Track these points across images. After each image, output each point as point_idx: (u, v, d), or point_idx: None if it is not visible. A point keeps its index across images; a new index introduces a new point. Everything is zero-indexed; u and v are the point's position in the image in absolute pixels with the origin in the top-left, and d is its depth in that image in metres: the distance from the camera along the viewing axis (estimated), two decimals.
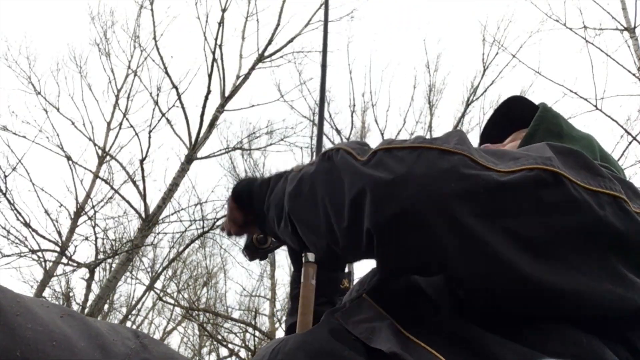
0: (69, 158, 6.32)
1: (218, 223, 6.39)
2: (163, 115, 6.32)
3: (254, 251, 1.01)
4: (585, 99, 4.65)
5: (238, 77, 6.76)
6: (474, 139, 0.86)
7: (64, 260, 6.06)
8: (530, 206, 0.53)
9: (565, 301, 0.53)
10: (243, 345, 8.14)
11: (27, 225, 5.70)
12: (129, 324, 9.48)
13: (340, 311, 0.68)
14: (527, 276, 0.52)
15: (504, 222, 0.53)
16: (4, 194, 5.70)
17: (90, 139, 6.75)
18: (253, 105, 6.65)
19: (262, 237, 0.99)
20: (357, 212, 0.60)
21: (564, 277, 0.53)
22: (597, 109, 4.59)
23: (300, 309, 0.96)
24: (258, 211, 0.84)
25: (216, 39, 6.34)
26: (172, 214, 6.46)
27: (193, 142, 6.21)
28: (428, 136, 0.63)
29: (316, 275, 1.00)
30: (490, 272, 0.53)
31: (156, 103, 6.40)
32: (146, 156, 6.05)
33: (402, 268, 0.61)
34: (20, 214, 5.71)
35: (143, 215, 6.03)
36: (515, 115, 1.00)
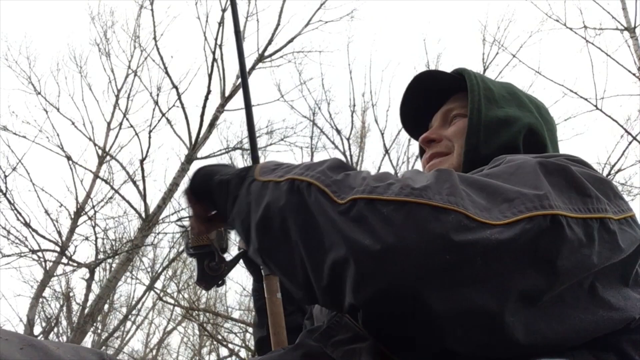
0: (69, 158, 6.33)
1: None
2: (163, 115, 6.33)
3: (209, 280, 0.92)
4: (586, 99, 4.65)
5: (238, 77, 6.76)
6: None
7: (64, 260, 6.06)
8: (527, 260, 0.51)
9: (559, 347, 0.54)
10: (243, 345, 8.14)
11: (27, 225, 5.70)
12: (129, 324, 9.49)
13: (319, 332, 0.67)
14: (524, 344, 0.52)
15: (499, 284, 0.50)
16: (4, 194, 5.70)
17: (90, 139, 6.75)
18: (253, 105, 6.65)
19: (214, 263, 0.91)
20: (338, 279, 0.53)
21: (562, 325, 0.54)
22: (597, 108, 4.59)
23: (271, 328, 0.89)
24: (222, 213, 0.76)
25: (216, 39, 6.35)
26: (172, 214, 6.46)
27: (193, 142, 6.21)
28: (415, 177, 0.56)
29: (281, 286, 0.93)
30: (490, 342, 0.52)
31: (156, 103, 6.41)
32: (146, 156, 6.06)
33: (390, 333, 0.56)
34: (20, 214, 5.71)
35: (143, 215, 6.03)
36: (433, 87, 0.97)
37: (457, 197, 0.51)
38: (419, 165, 1.01)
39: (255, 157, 0.98)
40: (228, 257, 0.93)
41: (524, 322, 0.52)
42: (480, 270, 0.49)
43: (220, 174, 0.76)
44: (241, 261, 0.96)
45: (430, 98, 0.98)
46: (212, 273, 0.91)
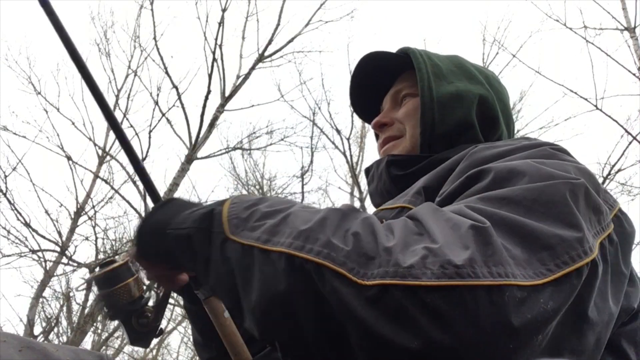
0: (69, 158, 6.32)
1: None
2: (163, 115, 6.32)
3: (145, 338, 0.78)
4: (586, 99, 4.65)
5: (238, 77, 6.76)
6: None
7: (64, 260, 6.06)
8: (578, 312, 0.48)
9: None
10: None
11: (27, 225, 5.70)
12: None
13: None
14: None
15: (554, 349, 0.46)
16: (4, 194, 5.70)
17: (90, 139, 6.75)
18: (253, 105, 6.65)
19: (143, 319, 0.76)
20: None
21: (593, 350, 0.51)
22: (597, 108, 4.59)
23: (230, 350, 0.77)
24: (190, 271, 0.64)
25: (216, 39, 6.34)
26: None
27: (193, 142, 6.21)
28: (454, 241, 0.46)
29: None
30: None
31: (156, 103, 6.41)
32: (146, 156, 6.05)
33: None
34: (20, 214, 5.72)
35: (143, 215, 6.03)
36: (380, 68, 0.94)
37: (505, 265, 0.44)
38: None
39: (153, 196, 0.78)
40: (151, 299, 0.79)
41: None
42: (541, 347, 0.44)
43: (172, 225, 0.61)
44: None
45: (380, 80, 0.95)
46: (145, 329, 0.76)
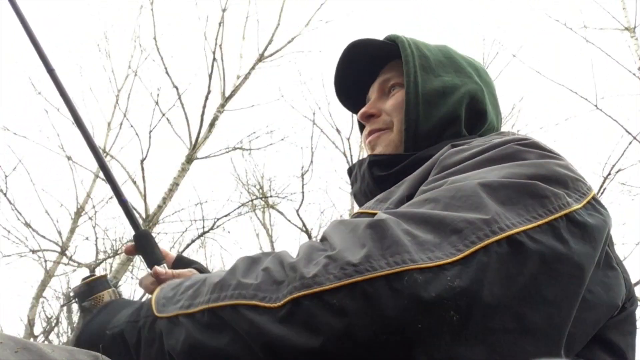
0: (69, 158, 6.32)
1: (218, 223, 6.38)
2: (163, 115, 6.31)
3: None
4: (586, 99, 4.65)
5: (238, 77, 6.76)
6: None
7: (65, 260, 6.06)
8: (501, 291, 0.47)
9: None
10: None
11: (27, 225, 5.70)
12: None
13: None
14: None
15: (488, 329, 0.46)
16: (4, 194, 5.70)
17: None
18: (253, 105, 6.65)
19: None
20: None
21: (553, 345, 0.50)
22: (597, 108, 4.59)
23: None
24: None
25: (216, 39, 6.34)
26: (173, 214, 6.46)
27: (193, 142, 6.21)
28: (349, 240, 0.48)
29: None
30: None
31: (156, 103, 6.40)
32: (146, 156, 6.05)
33: None
34: (20, 214, 5.71)
35: (143, 215, 6.03)
36: (366, 56, 0.91)
37: (403, 252, 0.46)
38: None
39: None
40: None
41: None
42: (462, 325, 0.45)
43: (109, 326, 0.62)
44: None
45: (366, 67, 0.92)
46: None
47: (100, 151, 0.94)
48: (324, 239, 0.53)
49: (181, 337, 0.52)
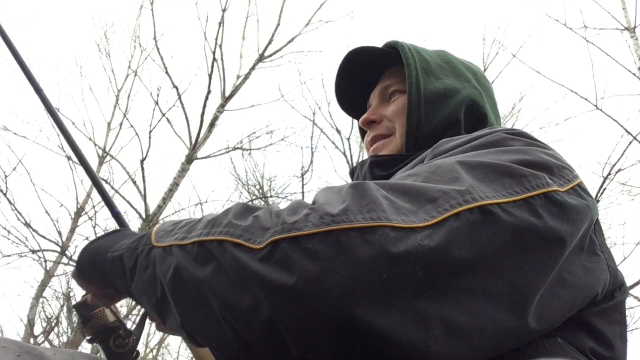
0: (69, 158, 6.32)
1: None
2: (163, 115, 6.32)
3: (122, 359, 0.81)
4: (586, 99, 4.65)
5: (238, 77, 6.76)
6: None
7: (65, 260, 6.06)
8: (469, 254, 0.49)
9: (529, 335, 0.52)
10: None
11: (27, 225, 5.70)
12: (129, 324, 9.46)
13: None
14: (512, 330, 0.50)
15: (452, 287, 0.48)
16: (4, 194, 5.70)
17: (90, 139, 6.75)
18: (253, 105, 6.65)
19: (121, 339, 0.81)
20: (277, 337, 0.49)
21: (530, 317, 0.51)
22: (597, 108, 4.59)
23: None
24: (121, 291, 0.68)
25: (216, 39, 6.34)
26: (173, 214, 6.46)
27: (193, 142, 6.21)
28: (332, 198, 0.52)
29: None
30: (461, 351, 0.48)
31: (156, 103, 6.41)
32: (146, 156, 6.05)
33: None
34: (20, 214, 5.71)
35: (143, 215, 6.03)
36: (367, 63, 0.92)
37: (379, 211, 0.50)
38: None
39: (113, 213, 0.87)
40: (129, 323, 0.83)
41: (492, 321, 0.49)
42: (425, 281, 0.47)
43: (111, 249, 0.66)
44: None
45: (366, 74, 0.94)
46: (122, 350, 0.80)
47: (91, 166, 0.93)
48: (313, 201, 0.56)
49: (172, 265, 0.56)
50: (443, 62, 0.89)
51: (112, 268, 0.65)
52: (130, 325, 0.83)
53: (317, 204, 0.52)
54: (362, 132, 0.98)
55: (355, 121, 1.08)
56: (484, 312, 0.49)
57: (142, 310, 0.83)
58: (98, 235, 0.76)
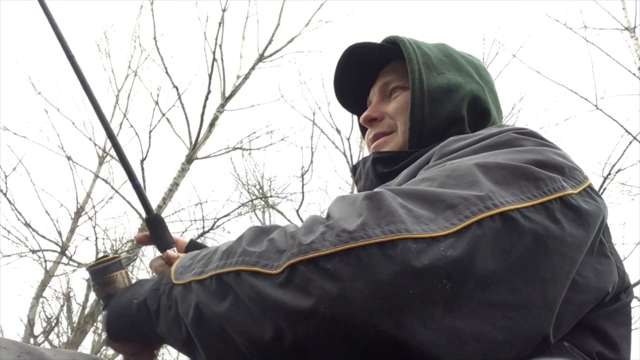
0: (69, 158, 6.32)
1: (218, 223, 6.39)
2: (163, 115, 6.32)
3: None
4: (586, 99, 4.65)
5: (238, 77, 6.76)
6: None
7: (65, 260, 6.06)
8: (495, 264, 0.47)
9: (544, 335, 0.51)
10: None
11: (27, 225, 5.70)
12: None
13: None
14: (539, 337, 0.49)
15: (483, 300, 0.46)
16: (4, 194, 5.70)
17: (90, 139, 6.75)
18: (253, 105, 6.65)
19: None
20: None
21: (550, 318, 0.50)
22: (597, 108, 4.59)
23: None
24: (151, 338, 0.66)
25: (216, 39, 6.33)
26: (173, 214, 6.46)
27: (193, 142, 6.21)
28: (348, 213, 0.50)
29: None
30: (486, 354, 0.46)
31: (156, 103, 6.40)
32: (146, 156, 6.05)
33: None
34: (20, 214, 5.71)
35: (144, 215, 6.03)
36: (366, 58, 0.90)
37: (398, 222, 0.47)
38: None
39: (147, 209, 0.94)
40: None
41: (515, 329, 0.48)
42: (454, 295, 0.45)
43: (134, 298, 0.66)
44: None
45: (366, 70, 0.92)
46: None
47: (113, 131, 0.98)
48: (327, 214, 0.54)
49: (192, 303, 0.55)
50: (444, 55, 0.88)
51: (138, 314, 0.64)
52: None
53: (332, 219, 0.50)
54: (363, 129, 0.97)
55: (355, 119, 1.08)
56: (516, 325, 0.47)
57: None
58: (122, 290, 0.76)
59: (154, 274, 0.82)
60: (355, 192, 0.90)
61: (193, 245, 0.95)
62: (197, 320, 0.54)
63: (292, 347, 0.46)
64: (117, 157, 0.97)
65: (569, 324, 0.55)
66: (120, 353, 0.76)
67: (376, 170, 0.83)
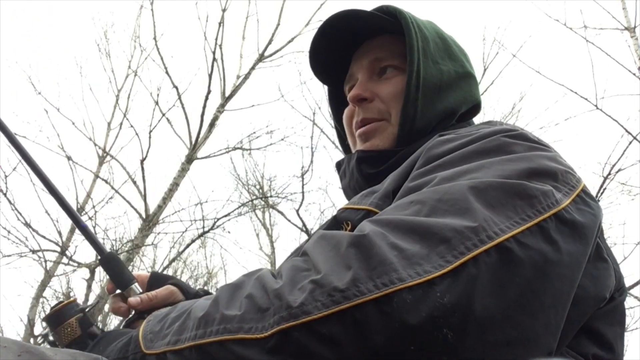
0: (69, 158, 6.32)
1: (218, 223, 6.39)
2: (163, 115, 6.32)
3: None
4: (586, 99, 4.65)
5: (238, 77, 6.76)
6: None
7: (65, 260, 6.06)
8: (495, 302, 0.45)
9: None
10: None
11: (27, 225, 5.70)
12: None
13: None
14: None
15: (488, 343, 0.45)
16: (4, 194, 5.70)
17: (90, 139, 6.75)
18: (253, 105, 6.65)
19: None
20: None
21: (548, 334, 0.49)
22: (597, 108, 4.59)
23: None
24: None
25: (216, 39, 6.33)
26: (173, 214, 6.46)
27: (193, 142, 6.21)
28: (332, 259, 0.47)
29: None
30: None
31: (156, 103, 6.40)
32: (146, 156, 6.05)
33: None
34: (20, 214, 5.71)
35: (143, 215, 6.03)
36: (348, 26, 0.82)
37: (390, 272, 0.44)
38: None
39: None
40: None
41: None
42: (458, 342, 0.43)
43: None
44: None
45: (347, 36, 0.84)
46: None
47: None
48: (305, 254, 0.52)
49: None
50: (439, 38, 0.82)
51: None
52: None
53: (318, 272, 0.47)
54: (332, 99, 0.91)
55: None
56: (522, 359, 0.46)
57: (124, 322, 0.81)
58: (86, 345, 0.71)
59: (115, 315, 0.78)
60: (340, 187, 0.86)
61: (155, 279, 0.86)
62: None
63: None
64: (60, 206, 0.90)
65: (568, 338, 0.54)
66: None
67: (361, 170, 0.79)
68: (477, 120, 0.88)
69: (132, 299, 0.79)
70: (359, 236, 0.48)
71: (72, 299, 0.81)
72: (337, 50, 0.86)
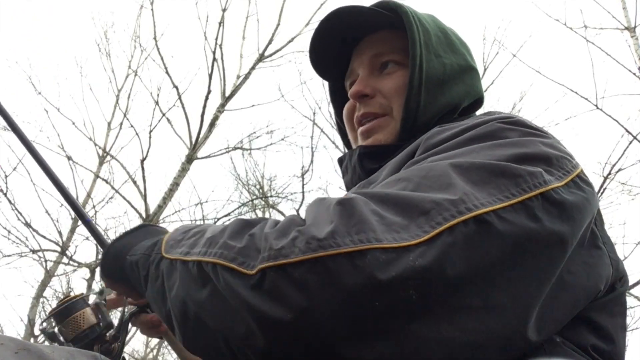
0: (69, 158, 6.32)
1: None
2: (163, 115, 6.32)
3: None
4: (586, 99, 4.65)
5: (238, 77, 6.76)
6: None
7: (65, 260, 6.06)
8: (465, 269, 0.46)
9: (524, 343, 0.50)
10: None
11: (27, 225, 5.70)
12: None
13: None
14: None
15: (449, 306, 0.46)
16: (5, 194, 5.70)
17: (90, 139, 6.75)
18: (253, 105, 6.65)
19: (107, 344, 0.79)
20: None
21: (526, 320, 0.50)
22: (597, 108, 4.59)
23: None
24: (143, 295, 0.67)
25: (216, 39, 6.33)
26: (173, 214, 6.46)
27: (193, 142, 6.21)
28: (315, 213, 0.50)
29: None
30: None
31: (156, 103, 6.41)
32: (146, 156, 6.05)
33: None
34: (20, 214, 5.72)
35: (144, 215, 6.03)
36: (348, 22, 0.82)
37: (368, 231, 0.46)
38: None
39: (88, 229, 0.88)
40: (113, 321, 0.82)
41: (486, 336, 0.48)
42: (420, 304, 0.45)
43: (129, 252, 0.68)
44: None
45: (347, 32, 0.84)
46: (109, 355, 0.78)
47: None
48: (305, 216, 0.55)
49: (175, 283, 0.56)
50: (440, 31, 0.82)
51: (130, 272, 0.67)
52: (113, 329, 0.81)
53: (306, 224, 0.50)
54: (333, 95, 0.92)
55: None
56: (484, 327, 0.47)
57: (127, 313, 0.83)
58: (122, 232, 0.77)
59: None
60: (340, 187, 0.87)
61: None
62: (177, 300, 0.55)
63: (263, 348, 0.47)
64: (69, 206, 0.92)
65: (557, 323, 0.53)
66: (111, 289, 0.78)
67: (363, 166, 0.79)
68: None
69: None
70: (346, 198, 0.51)
71: (79, 294, 0.83)
72: (338, 46, 0.86)
